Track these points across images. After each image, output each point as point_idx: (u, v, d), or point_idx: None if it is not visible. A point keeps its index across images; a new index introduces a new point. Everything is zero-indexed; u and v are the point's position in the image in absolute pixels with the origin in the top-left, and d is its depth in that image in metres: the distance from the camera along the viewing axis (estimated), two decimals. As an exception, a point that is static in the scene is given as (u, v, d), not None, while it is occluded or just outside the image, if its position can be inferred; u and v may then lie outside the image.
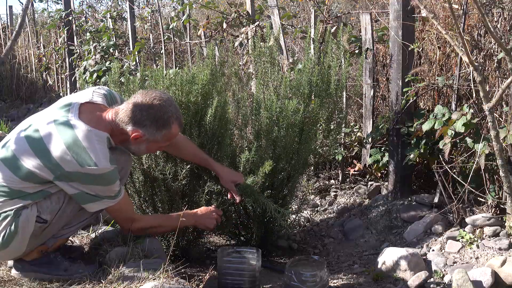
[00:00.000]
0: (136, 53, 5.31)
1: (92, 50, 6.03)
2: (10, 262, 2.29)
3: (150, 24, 5.94)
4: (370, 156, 3.53)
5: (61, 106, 2.14)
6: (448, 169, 2.85)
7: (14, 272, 2.23)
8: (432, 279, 2.45)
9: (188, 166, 2.58)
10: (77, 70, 6.44)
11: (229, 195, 2.60)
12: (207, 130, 2.66)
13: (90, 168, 1.98)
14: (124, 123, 2.13)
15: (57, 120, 2.06)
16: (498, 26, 3.03)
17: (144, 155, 2.47)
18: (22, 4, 8.08)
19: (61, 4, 7.45)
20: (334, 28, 3.68)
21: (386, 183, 3.44)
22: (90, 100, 2.17)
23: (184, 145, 2.54)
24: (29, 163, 2.01)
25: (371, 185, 3.60)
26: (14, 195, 2.05)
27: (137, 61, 5.26)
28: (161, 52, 5.53)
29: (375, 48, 3.57)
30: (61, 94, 7.86)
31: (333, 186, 3.80)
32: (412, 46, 3.13)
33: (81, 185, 2.03)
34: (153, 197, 2.72)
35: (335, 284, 2.58)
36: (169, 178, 2.58)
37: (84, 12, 7.09)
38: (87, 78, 5.65)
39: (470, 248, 2.62)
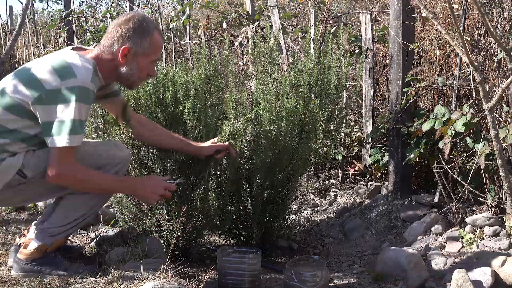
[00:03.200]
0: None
1: (92, 50, 6.02)
2: (10, 262, 2.29)
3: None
4: (370, 156, 3.53)
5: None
6: (448, 169, 2.85)
7: (14, 272, 2.23)
8: (432, 279, 2.45)
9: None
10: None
11: (220, 155, 2.53)
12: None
13: (70, 81, 1.99)
14: (108, 47, 2.16)
15: (53, 59, 2.10)
16: (498, 26, 3.03)
17: (138, 83, 2.30)
18: (22, 4, 8.07)
19: (61, 4, 7.46)
20: (334, 28, 3.68)
21: (386, 183, 3.44)
22: (78, 46, 2.22)
23: (159, 129, 2.52)
24: (11, 89, 2.04)
25: (371, 185, 3.60)
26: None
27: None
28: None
29: (375, 48, 3.57)
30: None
31: (333, 186, 3.80)
32: (412, 46, 3.13)
33: (55, 108, 1.98)
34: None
35: (335, 284, 2.58)
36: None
37: (84, 12, 7.09)
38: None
39: (470, 248, 2.62)
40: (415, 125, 3.13)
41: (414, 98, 3.20)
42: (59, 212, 2.24)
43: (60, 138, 2.00)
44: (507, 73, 2.85)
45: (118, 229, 2.59)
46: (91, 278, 2.14)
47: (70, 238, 2.68)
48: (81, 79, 2.00)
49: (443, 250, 2.69)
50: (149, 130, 2.51)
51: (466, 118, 2.75)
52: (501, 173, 2.46)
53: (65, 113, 1.99)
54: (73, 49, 2.19)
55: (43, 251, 2.20)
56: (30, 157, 2.09)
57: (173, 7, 5.67)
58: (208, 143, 2.54)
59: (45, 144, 2.05)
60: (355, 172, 3.74)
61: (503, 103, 2.88)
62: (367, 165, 3.65)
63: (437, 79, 3.11)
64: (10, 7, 11.05)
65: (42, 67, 2.07)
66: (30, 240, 2.24)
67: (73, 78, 2.00)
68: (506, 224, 2.67)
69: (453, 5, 2.64)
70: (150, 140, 2.55)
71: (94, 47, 2.24)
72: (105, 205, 2.47)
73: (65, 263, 2.21)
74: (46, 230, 2.23)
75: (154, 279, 2.02)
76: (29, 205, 3.42)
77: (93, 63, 2.11)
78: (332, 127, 2.95)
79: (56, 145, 2.00)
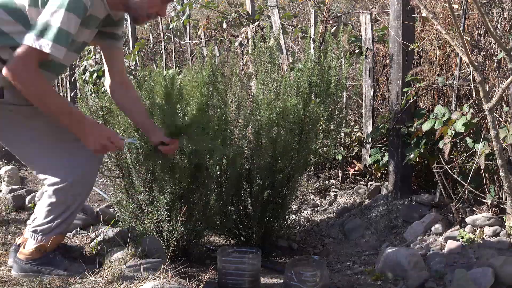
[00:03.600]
0: (136, 53, 5.31)
1: (92, 50, 6.03)
2: (10, 262, 2.29)
3: (150, 24, 5.94)
4: (370, 156, 3.53)
5: None
6: (448, 169, 2.85)
7: (14, 272, 2.23)
8: (432, 279, 2.45)
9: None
10: (77, 70, 6.44)
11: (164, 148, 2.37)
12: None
13: None
14: None
15: None
16: (498, 26, 3.03)
17: (145, 18, 2.22)
18: (22, 4, 8.07)
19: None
20: (334, 28, 3.68)
21: (386, 183, 3.44)
22: None
23: (137, 101, 2.41)
24: None
25: (371, 185, 3.60)
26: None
27: (137, 61, 5.25)
28: (161, 52, 5.53)
29: (375, 48, 3.57)
30: (60, 94, 7.86)
31: (333, 186, 3.80)
32: (412, 46, 3.13)
33: (46, 7, 1.90)
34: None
35: (335, 284, 2.58)
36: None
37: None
38: (87, 78, 5.64)
39: (470, 248, 2.62)
40: (415, 125, 3.13)
41: (414, 98, 3.20)
42: (42, 208, 2.21)
43: (41, 40, 1.87)
44: (507, 73, 2.85)
45: (118, 229, 2.59)
46: (91, 278, 2.14)
47: (70, 238, 2.68)
48: None
49: (443, 250, 2.69)
50: (125, 97, 2.36)
51: (466, 118, 2.75)
52: (501, 173, 2.46)
53: (54, 17, 1.88)
54: None
55: (42, 251, 2.20)
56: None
57: (173, 7, 5.67)
58: (157, 129, 2.39)
59: None
60: (355, 172, 3.74)
61: (503, 103, 2.88)
62: (367, 165, 3.65)
63: (437, 79, 3.11)
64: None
65: None
66: (27, 239, 2.24)
67: None
68: (506, 224, 2.67)
69: (453, 5, 2.64)
70: (120, 105, 2.42)
71: None
72: (104, 205, 2.46)
73: (65, 263, 2.21)
74: (37, 229, 2.22)
75: (154, 279, 2.02)
76: (29, 204, 3.43)
77: None
78: (332, 127, 2.95)
79: (31, 43, 1.87)
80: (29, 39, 1.87)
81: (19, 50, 1.89)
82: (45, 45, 1.87)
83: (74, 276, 2.16)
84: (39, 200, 3.41)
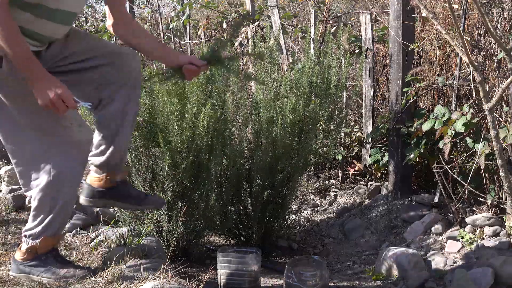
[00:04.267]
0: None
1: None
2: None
3: (150, 24, 5.94)
4: (370, 156, 3.53)
5: None
6: (448, 169, 2.85)
7: (10, 272, 2.24)
8: (432, 279, 2.45)
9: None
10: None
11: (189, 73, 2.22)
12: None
13: None
14: None
15: None
16: (498, 26, 3.03)
17: None
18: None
19: (61, 4, 7.43)
20: (334, 28, 3.68)
21: (386, 183, 3.44)
22: None
23: (144, 33, 2.28)
24: None
25: (371, 185, 3.60)
26: None
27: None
28: (161, 52, 5.50)
29: (375, 48, 3.57)
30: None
31: (333, 186, 3.80)
32: (412, 46, 3.13)
33: None
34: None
35: (335, 284, 2.58)
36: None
37: (84, 12, 7.09)
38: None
39: (470, 248, 2.62)
40: (415, 125, 3.13)
41: (414, 98, 3.20)
42: (30, 212, 2.20)
43: None
44: (507, 73, 2.85)
45: (118, 229, 2.59)
46: (91, 278, 2.13)
47: (70, 238, 2.68)
48: None
49: (443, 250, 2.69)
50: (130, 30, 2.22)
51: (466, 118, 2.75)
52: (501, 173, 2.46)
53: None
54: None
55: (34, 253, 2.20)
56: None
57: (173, 7, 5.67)
58: (182, 54, 2.28)
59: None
60: (355, 172, 3.74)
61: (503, 103, 2.88)
62: (367, 165, 3.65)
63: (437, 79, 3.11)
64: (10, 7, 10.99)
65: None
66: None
67: None
68: (506, 224, 2.67)
69: (453, 5, 2.64)
70: (126, 41, 2.26)
71: None
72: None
73: (54, 265, 2.20)
74: (26, 233, 2.21)
75: (154, 279, 2.02)
76: (29, 204, 3.42)
77: None
78: (332, 127, 2.95)
79: None
80: None
81: None
82: None
83: (59, 281, 2.15)
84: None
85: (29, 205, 3.41)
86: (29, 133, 2.07)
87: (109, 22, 2.25)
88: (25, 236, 2.23)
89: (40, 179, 2.13)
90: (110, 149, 2.11)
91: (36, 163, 2.12)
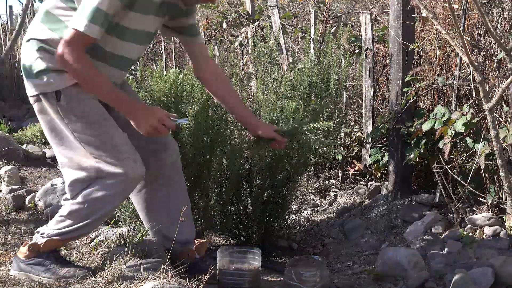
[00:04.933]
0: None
1: (92, 50, 6.01)
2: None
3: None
4: (370, 156, 3.53)
5: None
6: (448, 169, 2.85)
7: (11, 270, 2.25)
8: (432, 279, 2.45)
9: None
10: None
11: (273, 146, 2.41)
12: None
13: None
14: None
15: None
16: (498, 26, 3.03)
17: (196, 1, 2.23)
18: (22, 4, 8.06)
19: (61, 4, 7.42)
20: (334, 28, 3.68)
21: (386, 183, 3.44)
22: None
23: (229, 86, 2.41)
24: None
25: (371, 185, 3.59)
26: (50, 21, 2.05)
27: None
28: (161, 52, 5.53)
29: (375, 48, 3.57)
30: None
31: (333, 186, 3.80)
32: (412, 46, 3.13)
33: None
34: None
35: (335, 284, 2.58)
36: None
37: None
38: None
39: (470, 248, 2.62)
40: (415, 125, 3.13)
41: (414, 98, 3.20)
42: (55, 217, 2.25)
43: (79, 21, 1.93)
44: (507, 73, 2.85)
45: (118, 229, 2.59)
46: (91, 278, 2.14)
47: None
48: None
49: (443, 250, 2.69)
50: (217, 83, 2.36)
51: (466, 118, 2.75)
52: (501, 173, 2.47)
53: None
54: None
55: (35, 251, 2.22)
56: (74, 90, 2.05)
57: (173, 7, 5.66)
58: (267, 126, 2.40)
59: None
60: (355, 172, 3.74)
61: (503, 103, 2.88)
62: (367, 165, 3.65)
63: (437, 79, 3.11)
64: (10, 7, 11.09)
65: None
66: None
67: None
68: (506, 224, 2.67)
69: (453, 5, 2.64)
70: (213, 91, 2.41)
71: None
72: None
73: (54, 266, 2.21)
74: (39, 230, 2.26)
75: (154, 279, 2.02)
76: (29, 204, 3.43)
77: None
78: (332, 127, 2.94)
79: (73, 26, 1.94)
80: (74, 21, 1.94)
81: (67, 34, 1.96)
82: (81, 24, 1.92)
83: (59, 281, 2.16)
84: (38, 200, 3.41)
85: (29, 205, 3.42)
86: (86, 154, 2.14)
87: (196, 72, 2.39)
88: (37, 232, 2.26)
89: (85, 193, 2.17)
90: None
91: (86, 175, 2.17)
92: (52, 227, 2.24)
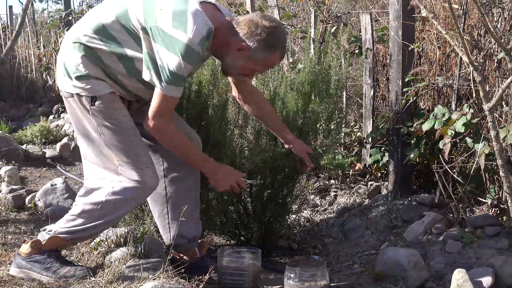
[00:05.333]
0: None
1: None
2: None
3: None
4: (370, 156, 3.53)
5: None
6: (448, 169, 2.85)
7: (11, 267, 2.26)
8: (432, 279, 2.45)
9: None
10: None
11: (298, 166, 2.65)
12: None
13: (177, 32, 2.02)
14: (235, 33, 2.15)
15: None
16: (498, 26, 3.03)
17: (234, 75, 2.38)
18: (22, 4, 8.07)
19: (61, 4, 7.46)
20: (334, 28, 3.68)
21: (386, 183, 3.44)
22: (212, 2, 2.20)
23: (265, 104, 2.57)
24: (134, 11, 2.11)
25: (371, 185, 3.59)
26: (103, 35, 2.14)
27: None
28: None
29: (375, 48, 3.57)
30: (61, 94, 7.85)
31: (333, 186, 3.79)
32: (412, 46, 3.13)
33: (158, 47, 2.05)
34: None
35: (335, 284, 2.58)
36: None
37: (84, 12, 7.09)
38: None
39: (470, 248, 2.62)
40: (415, 125, 3.13)
41: (414, 98, 3.19)
42: (66, 215, 2.28)
43: (163, 85, 2.09)
44: (507, 73, 2.85)
45: (118, 229, 2.59)
46: (91, 278, 2.14)
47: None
48: (190, 39, 2.02)
49: (443, 250, 2.68)
50: (255, 102, 2.53)
51: (466, 118, 2.75)
52: (501, 173, 2.46)
53: (171, 63, 2.04)
54: (205, 2, 2.15)
55: (38, 248, 2.22)
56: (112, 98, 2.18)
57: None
58: (301, 145, 2.59)
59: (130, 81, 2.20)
60: (355, 172, 3.74)
61: (503, 103, 2.88)
62: (367, 165, 3.65)
63: (437, 79, 3.11)
64: (10, 7, 11.06)
65: (166, 1, 2.09)
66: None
67: (183, 33, 2.02)
68: (506, 224, 2.67)
69: (453, 5, 2.63)
70: (251, 111, 2.58)
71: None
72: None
73: (55, 264, 2.21)
74: (46, 227, 2.27)
75: (154, 279, 2.02)
76: (29, 204, 3.43)
77: (209, 30, 2.09)
78: (332, 127, 2.95)
79: (160, 90, 2.10)
80: (158, 85, 2.10)
81: (155, 101, 2.14)
82: (168, 90, 2.10)
83: (61, 280, 2.16)
84: (38, 200, 3.41)
85: (29, 205, 3.42)
86: (110, 155, 2.24)
87: (234, 93, 2.55)
88: (43, 230, 2.27)
89: (100, 193, 2.23)
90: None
91: (105, 177, 2.25)
92: (61, 225, 2.25)
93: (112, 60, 2.16)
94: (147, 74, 2.12)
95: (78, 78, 2.16)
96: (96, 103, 2.16)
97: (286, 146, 2.62)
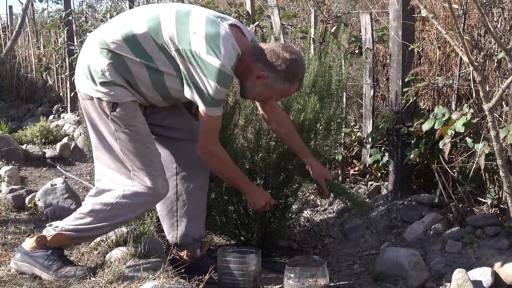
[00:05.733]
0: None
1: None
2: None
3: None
4: (370, 156, 3.53)
5: (213, 13, 2.25)
6: (448, 169, 2.85)
7: (13, 260, 2.27)
8: (432, 279, 2.45)
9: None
10: (77, 70, 6.42)
11: (317, 189, 2.69)
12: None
13: (212, 58, 2.09)
14: (257, 59, 2.23)
15: (210, 15, 2.19)
16: (498, 26, 3.03)
17: (250, 99, 2.48)
18: (22, 4, 8.07)
19: (61, 4, 7.45)
20: (334, 28, 3.68)
21: (386, 183, 3.44)
22: (238, 25, 2.27)
23: (287, 124, 2.61)
24: (166, 19, 2.16)
25: (371, 185, 3.59)
26: (133, 45, 2.16)
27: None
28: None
29: (375, 48, 3.57)
30: (61, 94, 7.86)
31: (333, 186, 3.79)
32: (412, 46, 3.13)
33: (193, 69, 2.12)
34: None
35: (335, 284, 2.58)
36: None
37: (84, 12, 7.09)
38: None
39: (470, 248, 2.62)
40: (415, 125, 3.13)
41: (414, 98, 3.19)
42: (74, 213, 2.30)
43: (207, 108, 2.17)
44: (507, 73, 2.85)
45: (118, 229, 2.59)
46: (91, 278, 2.14)
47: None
48: (222, 64, 2.10)
49: (443, 250, 2.69)
50: (278, 122, 2.59)
51: (466, 118, 2.75)
52: (501, 173, 2.46)
53: (209, 88, 2.12)
54: (231, 25, 2.22)
55: (42, 244, 2.23)
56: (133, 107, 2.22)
57: (173, 7, 5.66)
58: (320, 169, 2.62)
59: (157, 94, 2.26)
60: (355, 172, 3.74)
61: (503, 103, 2.88)
62: (367, 165, 3.65)
63: (437, 79, 3.11)
64: (10, 7, 11.04)
65: (198, 24, 2.14)
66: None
67: (216, 58, 2.09)
68: (506, 224, 2.67)
69: (453, 5, 2.63)
70: (274, 129, 2.66)
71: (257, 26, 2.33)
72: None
73: (57, 263, 2.22)
74: (54, 224, 2.29)
75: (154, 279, 2.02)
76: (29, 204, 3.43)
77: (237, 55, 2.17)
78: (332, 127, 2.94)
79: (205, 112, 2.18)
80: (203, 108, 2.18)
81: (203, 127, 2.24)
82: (215, 111, 2.20)
83: (61, 280, 2.16)
84: (38, 200, 3.41)
85: (29, 205, 3.42)
86: (124, 160, 2.27)
87: (259, 111, 2.62)
88: (49, 225, 2.29)
89: (111, 195, 2.27)
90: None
91: (117, 180, 2.29)
92: (68, 222, 2.27)
93: (141, 71, 2.19)
94: (188, 92, 2.19)
95: (103, 83, 2.17)
96: (117, 109, 2.18)
97: (306, 168, 2.66)
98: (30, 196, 3.48)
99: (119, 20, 2.26)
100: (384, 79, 3.74)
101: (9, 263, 2.36)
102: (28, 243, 2.27)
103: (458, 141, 2.87)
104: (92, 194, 2.29)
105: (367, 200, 3.49)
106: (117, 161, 2.26)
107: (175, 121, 2.47)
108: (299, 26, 4.36)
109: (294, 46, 4.62)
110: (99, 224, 2.25)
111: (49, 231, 2.27)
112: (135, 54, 2.16)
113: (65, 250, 2.45)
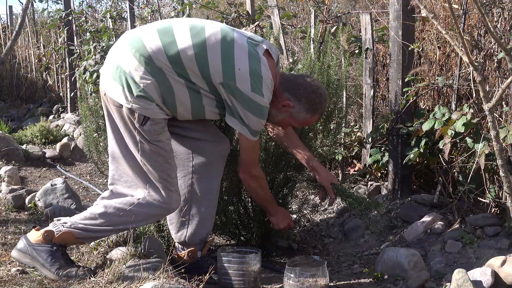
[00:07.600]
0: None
1: (92, 50, 6.03)
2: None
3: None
4: (370, 156, 3.52)
5: (248, 36, 2.32)
6: (448, 169, 2.85)
7: (15, 249, 2.28)
8: (432, 279, 2.45)
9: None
10: (77, 70, 6.44)
11: (320, 194, 2.73)
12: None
13: (256, 96, 2.21)
14: (285, 89, 2.37)
15: (250, 48, 2.26)
16: (498, 26, 3.03)
17: (270, 122, 2.53)
18: (22, 4, 8.08)
19: (61, 4, 7.45)
20: (334, 28, 3.68)
21: (386, 183, 3.44)
22: (270, 51, 2.36)
23: (294, 136, 2.67)
24: (211, 45, 2.20)
25: (371, 185, 3.59)
26: (178, 67, 2.20)
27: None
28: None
29: (375, 48, 3.57)
30: (61, 94, 7.86)
31: (333, 186, 3.79)
32: (412, 46, 3.13)
33: (237, 103, 2.22)
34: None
35: (335, 284, 2.58)
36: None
37: (84, 12, 7.09)
38: (87, 78, 5.64)
39: (470, 248, 2.62)
40: (415, 125, 3.13)
41: (414, 98, 3.19)
42: (85, 212, 2.32)
43: (251, 137, 2.30)
44: (507, 73, 2.85)
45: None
46: (91, 278, 2.14)
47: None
48: (265, 101, 2.25)
49: (443, 250, 2.69)
50: (284, 134, 2.66)
51: (466, 118, 2.75)
52: (501, 173, 2.46)
53: (252, 122, 2.26)
54: (265, 52, 2.31)
55: (49, 239, 2.24)
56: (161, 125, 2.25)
57: (173, 7, 5.67)
58: (326, 174, 2.67)
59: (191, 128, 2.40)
60: (355, 172, 3.74)
61: (503, 103, 2.88)
62: (367, 165, 3.65)
63: (437, 79, 3.11)
64: (10, 7, 11.06)
65: (242, 59, 2.21)
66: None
67: (260, 96, 2.22)
68: (506, 224, 2.67)
69: (453, 5, 2.63)
70: (279, 141, 2.73)
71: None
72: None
73: (60, 261, 2.22)
74: (62, 219, 2.29)
75: (154, 279, 2.02)
76: (29, 204, 3.43)
77: (272, 87, 2.30)
78: (332, 127, 2.94)
79: (249, 139, 2.31)
80: (248, 137, 2.31)
81: (246, 152, 2.39)
82: (256, 136, 2.33)
83: (61, 280, 2.16)
84: (38, 200, 3.41)
85: (29, 205, 3.42)
86: (142, 170, 2.30)
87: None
88: (58, 220, 2.29)
89: (126, 201, 2.30)
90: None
91: (132, 187, 2.32)
92: (78, 220, 2.28)
93: (182, 91, 2.22)
94: (231, 120, 2.28)
95: (140, 97, 2.17)
96: (148, 123, 2.20)
97: (311, 173, 2.70)
98: (30, 196, 3.48)
99: (161, 30, 2.23)
100: (384, 79, 3.74)
101: (9, 263, 2.36)
102: (34, 235, 2.27)
103: (458, 141, 2.87)
104: (105, 196, 2.32)
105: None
106: (135, 169, 2.28)
107: (196, 123, 2.48)
108: (299, 26, 4.36)
109: (294, 46, 4.63)
110: (108, 227, 2.29)
111: (57, 226, 2.27)
112: (180, 76, 2.20)
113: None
